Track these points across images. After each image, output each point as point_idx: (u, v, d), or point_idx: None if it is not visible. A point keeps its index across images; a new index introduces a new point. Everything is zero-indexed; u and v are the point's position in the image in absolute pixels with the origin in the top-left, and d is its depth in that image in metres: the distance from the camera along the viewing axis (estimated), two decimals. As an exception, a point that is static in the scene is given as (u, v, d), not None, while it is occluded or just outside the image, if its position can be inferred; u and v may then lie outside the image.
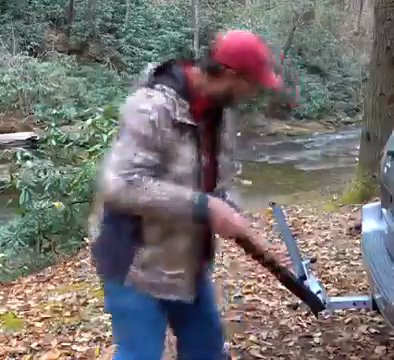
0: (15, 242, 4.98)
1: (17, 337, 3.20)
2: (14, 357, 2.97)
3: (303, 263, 2.57)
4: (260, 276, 3.91)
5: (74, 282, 4.20)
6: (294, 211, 5.99)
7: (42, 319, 3.46)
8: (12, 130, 13.37)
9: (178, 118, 1.71)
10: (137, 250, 1.80)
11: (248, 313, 3.37)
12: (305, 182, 10.23)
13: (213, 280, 3.87)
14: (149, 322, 1.87)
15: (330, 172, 11.00)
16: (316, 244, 4.71)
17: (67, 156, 6.00)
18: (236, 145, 2.00)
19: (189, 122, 1.74)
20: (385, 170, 2.76)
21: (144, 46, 19.07)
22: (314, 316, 2.87)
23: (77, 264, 4.70)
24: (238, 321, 3.28)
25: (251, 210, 6.12)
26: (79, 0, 18.88)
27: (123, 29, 18.82)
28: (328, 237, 4.89)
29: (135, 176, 1.66)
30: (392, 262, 2.48)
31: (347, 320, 3.20)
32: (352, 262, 4.16)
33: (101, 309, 3.27)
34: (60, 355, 2.95)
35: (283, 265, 2.06)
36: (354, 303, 2.89)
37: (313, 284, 2.55)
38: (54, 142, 5.69)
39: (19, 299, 3.96)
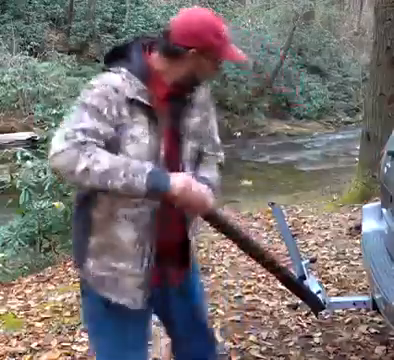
0: (15, 242, 4.98)
1: (17, 337, 3.21)
2: (14, 357, 2.97)
3: (303, 263, 2.57)
4: (260, 276, 3.91)
5: (74, 282, 4.20)
6: (294, 211, 5.99)
7: (42, 319, 3.46)
8: (12, 130, 13.36)
9: (129, 95, 1.64)
10: (89, 238, 1.73)
11: (248, 313, 3.37)
12: (305, 182, 10.22)
13: (213, 281, 3.89)
14: (117, 331, 1.77)
15: (330, 172, 10.99)
16: (316, 244, 4.71)
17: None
18: (214, 130, 1.91)
19: (143, 101, 1.65)
20: (385, 170, 2.76)
21: (144, 46, 19.05)
22: (314, 316, 2.87)
23: (77, 264, 4.69)
24: (238, 321, 3.28)
25: (251, 210, 6.13)
26: (79, 0, 18.85)
27: (123, 29, 18.80)
28: (328, 237, 4.89)
29: (79, 138, 1.56)
30: (392, 262, 2.48)
31: (347, 320, 3.20)
32: (352, 262, 4.16)
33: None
34: (60, 355, 2.95)
35: (283, 265, 2.06)
36: (354, 303, 2.89)
37: (313, 284, 2.55)
38: (54, 142, 5.68)
39: (19, 299, 3.95)
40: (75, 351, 2.99)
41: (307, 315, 3.24)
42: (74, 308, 3.57)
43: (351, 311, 3.27)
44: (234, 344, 2.99)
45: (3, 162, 7.69)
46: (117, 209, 1.69)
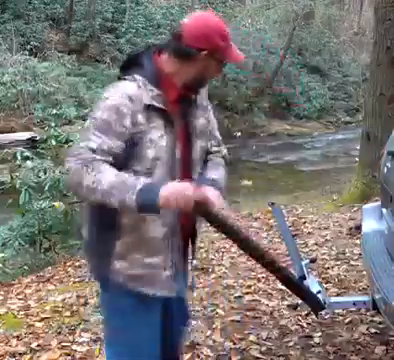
0: (15, 242, 4.97)
1: (17, 337, 3.20)
2: (14, 357, 2.97)
3: (303, 263, 2.57)
4: (260, 276, 3.91)
5: (74, 282, 4.20)
6: (294, 211, 5.99)
7: (42, 319, 3.46)
8: (12, 130, 13.35)
9: (146, 101, 1.71)
10: (115, 242, 1.80)
11: (248, 313, 3.37)
12: (305, 182, 10.22)
13: (213, 281, 3.89)
14: (145, 324, 1.85)
15: (330, 172, 10.99)
16: (316, 244, 4.71)
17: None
18: (215, 126, 1.99)
19: (159, 106, 1.72)
20: (385, 170, 2.76)
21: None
22: (314, 316, 2.88)
23: (77, 264, 4.70)
24: (238, 321, 3.28)
25: (251, 210, 6.13)
26: (79, 0, 18.85)
27: (123, 29, 18.79)
28: (328, 237, 4.89)
29: (84, 156, 1.66)
30: (392, 262, 2.48)
31: (347, 320, 3.20)
32: (352, 262, 4.16)
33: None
34: (60, 355, 2.95)
35: (283, 265, 2.06)
36: (354, 303, 2.89)
37: (313, 284, 2.55)
38: (54, 142, 5.68)
39: (19, 299, 3.95)
40: (75, 351, 2.99)
41: (307, 315, 3.24)
42: (74, 308, 3.57)
43: (351, 311, 3.27)
44: (234, 344, 2.99)
45: (3, 162, 7.69)
46: None
